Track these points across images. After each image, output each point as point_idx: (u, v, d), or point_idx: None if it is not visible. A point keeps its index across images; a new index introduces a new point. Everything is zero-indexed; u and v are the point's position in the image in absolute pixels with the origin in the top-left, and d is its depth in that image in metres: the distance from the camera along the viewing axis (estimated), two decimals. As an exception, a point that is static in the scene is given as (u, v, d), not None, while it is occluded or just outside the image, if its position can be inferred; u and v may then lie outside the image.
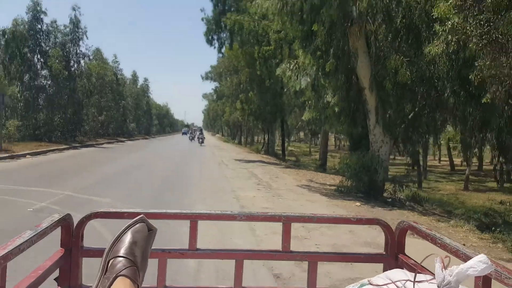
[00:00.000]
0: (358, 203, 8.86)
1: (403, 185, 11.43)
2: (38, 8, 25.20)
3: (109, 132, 40.42)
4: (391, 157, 23.33)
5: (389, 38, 10.01)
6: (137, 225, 0.97)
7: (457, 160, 34.14)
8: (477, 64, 5.80)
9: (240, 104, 30.48)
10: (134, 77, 56.41)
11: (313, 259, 1.51)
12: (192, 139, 44.27)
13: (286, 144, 37.56)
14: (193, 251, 1.48)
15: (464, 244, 5.63)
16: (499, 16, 5.01)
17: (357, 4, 9.19)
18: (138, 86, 57.29)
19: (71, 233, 1.41)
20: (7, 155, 16.06)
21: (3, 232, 5.32)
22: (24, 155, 17.05)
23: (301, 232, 5.71)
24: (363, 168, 10.29)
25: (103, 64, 35.28)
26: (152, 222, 1.05)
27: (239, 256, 1.49)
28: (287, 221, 1.49)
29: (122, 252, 0.90)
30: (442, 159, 40.04)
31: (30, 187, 9.11)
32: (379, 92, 10.30)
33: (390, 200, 10.31)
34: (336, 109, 10.30)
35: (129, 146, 30.67)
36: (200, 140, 35.12)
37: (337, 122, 11.00)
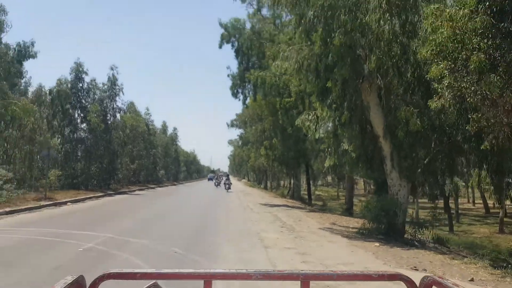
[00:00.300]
0: (377, 244, 9.33)
1: (423, 227, 11.74)
2: (81, 69, 28.00)
3: (140, 179, 42.15)
4: (420, 200, 23.33)
5: (400, 91, 10.92)
6: None
7: (491, 202, 33.21)
8: (470, 117, 6.56)
9: (264, 150, 31.58)
10: (164, 127, 59.33)
11: None
12: (217, 185, 43.41)
13: (313, 189, 37.98)
14: None
15: (472, 279, 6.08)
16: (483, 77, 5.83)
17: (367, 64, 10.27)
18: (168, 135, 59.89)
19: None
20: (51, 202, 17.47)
21: (62, 268, 6.28)
22: (65, 203, 18.44)
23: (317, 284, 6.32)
24: (382, 211, 10.80)
25: (136, 116, 37.77)
26: (166, 282, 1.04)
27: None
28: (305, 279, 1.44)
29: None
30: (476, 201, 38.97)
31: (77, 230, 10.17)
32: (393, 139, 11.05)
33: (411, 241, 10.67)
34: (353, 155, 11.07)
35: (159, 193, 31.95)
36: (227, 186, 34.46)
37: (355, 167, 11.73)
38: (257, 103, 24.42)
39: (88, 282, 1.39)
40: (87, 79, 28.61)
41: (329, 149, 12.73)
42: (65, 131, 27.21)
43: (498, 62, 5.76)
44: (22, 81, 29.06)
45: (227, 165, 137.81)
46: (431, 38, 6.56)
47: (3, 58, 19.29)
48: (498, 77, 5.75)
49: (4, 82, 19.39)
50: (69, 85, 27.58)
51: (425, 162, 11.05)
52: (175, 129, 64.59)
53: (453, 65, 6.42)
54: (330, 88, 11.22)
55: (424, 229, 11.68)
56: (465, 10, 5.91)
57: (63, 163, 26.71)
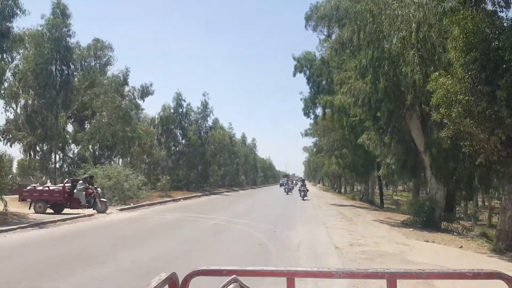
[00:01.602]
0: (411, 229, 12.86)
1: (455, 221, 14.80)
2: (180, 97, 34.64)
3: (225, 183, 48.38)
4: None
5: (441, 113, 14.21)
6: (231, 286, 1.00)
7: None
8: (462, 144, 9.97)
9: (336, 159, 35.11)
10: (243, 138, 65.81)
11: None
12: (288, 192, 36.64)
13: (392, 194, 40.17)
14: None
15: (461, 247, 9.62)
16: (462, 121, 9.34)
17: (407, 99, 13.88)
18: (247, 145, 66.08)
19: None
20: (170, 199, 23.49)
21: (207, 230, 11.16)
22: (179, 199, 24.38)
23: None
24: (421, 207, 14.22)
25: (222, 131, 43.97)
26: (248, 279, 1.14)
27: None
28: (391, 277, 1.36)
29: None
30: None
31: (200, 215, 15.32)
32: (431, 154, 14.38)
33: (444, 230, 13.87)
34: (393, 167, 14.67)
35: (242, 194, 37.39)
36: (303, 193, 29.29)
37: (399, 175, 15.26)
38: (327, 120, 28.28)
39: (180, 278, 1.44)
40: (184, 104, 35.35)
41: (381, 162, 16.34)
42: (171, 146, 33.92)
43: (472, 112, 9.20)
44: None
45: (302, 170, 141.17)
46: (435, 93, 10.18)
47: (128, 97, 26.16)
48: (471, 121, 9.22)
49: (133, 112, 26.16)
50: (171, 110, 34.35)
51: (457, 172, 14.18)
52: (253, 139, 70.78)
53: (448, 112, 9.98)
54: (379, 117, 14.98)
55: (457, 222, 14.72)
56: (451, 80, 9.47)
57: (170, 171, 33.36)
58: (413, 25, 12.92)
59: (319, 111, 28.71)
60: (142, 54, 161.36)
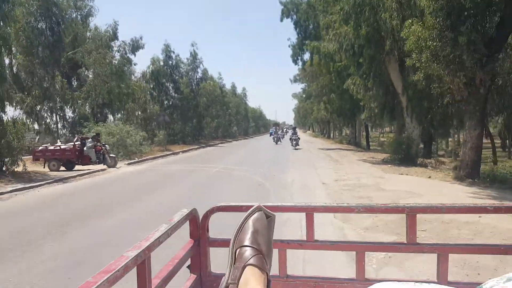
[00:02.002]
0: (390, 165, 14.55)
1: (430, 156, 16.51)
2: (169, 49, 34.72)
3: (219, 135, 49.79)
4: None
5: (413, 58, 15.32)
6: (256, 214, 1.00)
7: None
8: (432, 87, 11.24)
9: (324, 105, 36.39)
10: (233, 88, 66.03)
11: (443, 251, 1.38)
12: (277, 141, 34.31)
13: (379, 136, 42.08)
14: (312, 243, 1.48)
15: (430, 177, 11.34)
16: (430, 65, 10.52)
17: (386, 44, 14.87)
18: (237, 95, 66.59)
19: (197, 225, 1.50)
20: (170, 152, 24.88)
21: (212, 176, 12.65)
22: (178, 153, 25.78)
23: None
24: (399, 145, 15.82)
25: (213, 82, 44.40)
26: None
27: (361, 248, 1.45)
28: (411, 212, 1.38)
29: (246, 242, 0.92)
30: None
31: (202, 164, 16.81)
32: (408, 95, 15.70)
33: (420, 164, 15.61)
34: (376, 111, 16.05)
35: (236, 144, 38.97)
36: (294, 142, 27.60)
37: (381, 117, 16.68)
38: (315, 65, 29.10)
39: (201, 214, 1.49)
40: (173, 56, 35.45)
41: (365, 105, 17.68)
42: (163, 100, 34.65)
43: (438, 56, 10.36)
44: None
45: (292, 118, 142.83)
46: (408, 40, 11.24)
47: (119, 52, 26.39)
48: (438, 65, 10.41)
49: (126, 68, 26.61)
50: (161, 63, 34.59)
51: (431, 112, 15.63)
52: (244, 89, 71.19)
53: (419, 57, 11.12)
54: (362, 62, 16.03)
55: (435, 157, 16.44)
56: (421, 28, 10.49)
57: (166, 125, 34.45)
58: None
59: (306, 57, 29.46)
60: (127, 6, 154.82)
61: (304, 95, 69.39)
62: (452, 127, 17.87)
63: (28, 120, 23.29)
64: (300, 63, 28.05)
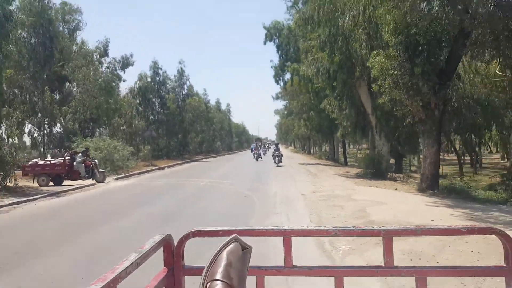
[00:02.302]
0: (362, 179, 15.91)
1: (401, 171, 18.01)
2: (157, 66, 35.87)
3: (203, 150, 50.68)
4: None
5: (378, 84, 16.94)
6: (231, 245, 0.96)
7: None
8: (395, 109, 12.71)
9: (304, 122, 38.00)
10: (218, 103, 67.41)
11: (421, 274, 1.37)
12: (258, 157, 32.92)
13: (357, 152, 44.01)
14: (290, 268, 1.44)
15: (396, 189, 12.70)
16: (391, 91, 11.99)
17: (357, 70, 16.44)
18: (222, 111, 67.88)
19: (172, 252, 1.43)
20: (156, 167, 25.69)
21: (201, 188, 13.68)
22: (163, 168, 26.61)
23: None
24: (370, 161, 17.26)
25: (198, 98, 45.57)
26: (246, 239, 1.08)
27: (339, 273, 1.43)
28: (387, 235, 1.40)
29: (218, 275, 0.90)
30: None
31: (189, 179, 17.78)
32: (377, 116, 17.23)
33: (389, 178, 17.03)
34: (349, 129, 17.52)
35: (220, 160, 39.96)
36: (277, 158, 25.94)
37: (353, 135, 18.15)
38: (295, 86, 30.72)
39: (176, 239, 1.41)
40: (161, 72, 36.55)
41: (340, 123, 19.16)
42: (149, 116, 35.51)
43: (398, 83, 11.85)
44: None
45: (274, 133, 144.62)
46: (373, 68, 12.74)
47: (109, 68, 27.34)
48: (399, 91, 11.90)
49: (114, 83, 27.51)
50: (149, 79, 35.61)
51: (399, 130, 17.18)
52: (228, 105, 72.57)
53: (382, 83, 12.62)
54: (336, 86, 17.55)
55: (404, 172, 17.95)
56: (384, 58, 12.00)
57: (151, 140, 35.21)
58: (361, 7, 15.27)
59: (288, 77, 31.09)
60: (119, 25, 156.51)
61: (285, 112, 71.22)
62: (419, 144, 19.48)
63: (15, 136, 23.83)
64: (281, 83, 29.69)
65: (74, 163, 16.57)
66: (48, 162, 16.48)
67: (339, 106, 17.90)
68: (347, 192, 12.26)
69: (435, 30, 11.50)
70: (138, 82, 35.35)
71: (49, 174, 16.21)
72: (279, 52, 29.19)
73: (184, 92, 37.67)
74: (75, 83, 25.01)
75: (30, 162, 16.87)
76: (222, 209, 9.61)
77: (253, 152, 35.11)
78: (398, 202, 10.17)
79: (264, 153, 39.43)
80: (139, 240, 2.23)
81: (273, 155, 26.77)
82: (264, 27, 29.29)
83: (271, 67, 29.88)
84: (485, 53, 11.00)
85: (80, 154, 16.90)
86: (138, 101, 34.76)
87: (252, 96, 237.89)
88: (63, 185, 15.85)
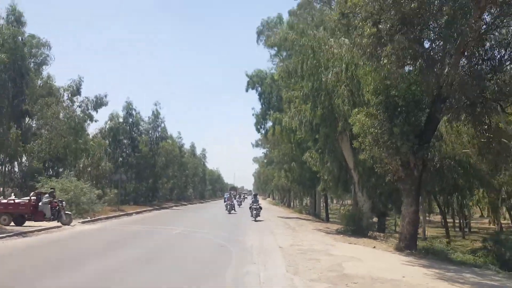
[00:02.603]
0: (342, 235, 16.86)
1: (382, 230, 19.14)
2: (131, 106, 36.99)
3: (173, 197, 50.70)
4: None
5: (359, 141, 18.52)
6: None
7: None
8: (375, 166, 14.12)
9: (284, 173, 39.30)
10: (192, 148, 68.37)
11: None
12: (231, 210, 30.81)
13: (340, 208, 45.31)
14: None
15: (374, 247, 13.74)
16: (371, 149, 13.44)
17: (339, 125, 18.03)
18: (196, 156, 68.69)
19: None
20: (124, 213, 25.88)
21: (174, 237, 14.27)
22: (131, 214, 26.79)
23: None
24: (351, 218, 18.36)
25: (172, 141, 46.49)
26: None
27: None
28: None
29: None
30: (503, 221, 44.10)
31: (161, 226, 18.25)
32: (359, 171, 18.63)
33: (370, 237, 18.06)
34: (331, 184, 18.79)
35: (192, 208, 40.29)
36: (254, 211, 24.19)
37: (335, 189, 19.38)
38: (276, 135, 32.32)
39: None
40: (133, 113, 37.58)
41: (321, 178, 20.45)
42: (118, 158, 35.94)
43: (379, 141, 13.33)
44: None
45: (251, 182, 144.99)
46: (354, 126, 14.25)
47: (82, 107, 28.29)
48: (379, 149, 13.34)
49: (86, 123, 28.27)
50: (120, 119, 36.47)
51: (381, 186, 18.54)
52: (203, 150, 73.60)
53: (363, 140, 14.06)
54: (318, 139, 19.03)
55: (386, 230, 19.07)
56: (365, 117, 13.55)
57: (118, 184, 35.36)
58: (343, 64, 17.19)
59: (269, 125, 32.74)
60: (93, 64, 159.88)
61: (265, 160, 72.64)
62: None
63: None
64: (263, 131, 31.25)
65: (40, 204, 16.88)
66: (12, 201, 16.73)
67: (321, 160, 19.29)
68: (325, 247, 13.15)
69: (414, 93, 13.24)
70: (109, 122, 36.17)
71: (11, 213, 16.41)
72: (261, 100, 31.09)
73: (157, 135, 38.67)
74: (42, 121, 25.59)
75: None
76: (199, 257, 10.31)
77: (225, 203, 32.00)
78: (374, 260, 11.15)
79: (240, 204, 39.10)
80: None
81: (250, 207, 25.12)
82: (247, 75, 31.46)
83: (253, 114, 31.68)
84: (460, 117, 12.78)
85: (47, 195, 17.25)
86: (107, 142, 35.31)
87: (229, 141, 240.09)
88: (24, 226, 16.05)
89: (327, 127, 18.31)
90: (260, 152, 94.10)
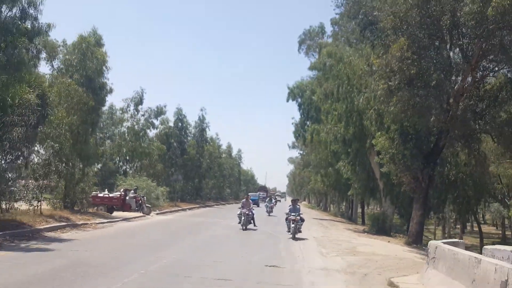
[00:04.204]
0: (366, 234, 22.38)
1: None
2: (181, 113, 43.62)
3: (212, 196, 57.32)
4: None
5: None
6: None
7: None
8: (392, 178, 19.53)
9: (321, 177, 44.77)
10: (229, 148, 74.87)
11: None
12: (247, 224, 19.54)
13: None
14: None
15: (389, 241, 19.37)
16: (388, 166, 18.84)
17: (367, 142, 23.51)
18: (232, 157, 75.20)
19: None
20: (179, 208, 32.38)
21: (232, 227, 20.37)
22: (186, 209, 33.26)
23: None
24: (375, 219, 23.84)
25: (213, 144, 53.00)
26: None
27: None
28: None
29: None
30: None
31: (218, 219, 24.40)
32: (384, 181, 24.01)
33: (391, 236, 23.42)
34: (359, 190, 24.34)
35: (231, 207, 46.53)
36: (293, 225, 17.01)
37: (363, 195, 24.90)
38: (314, 142, 37.81)
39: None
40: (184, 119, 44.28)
41: (351, 185, 25.98)
42: (169, 159, 42.60)
43: (394, 160, 18.72)
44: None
45: (285, 184, 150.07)
46: (376, 145, 19.74)
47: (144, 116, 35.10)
48: (394, 165, 18.76)
49: (147, 131, 35.07)
50: (171, 124, 43.14)
51: (401, 195, 23.85)
52: (239, 150, 79.94)
53: (383, 158, 19.55)
54: (350, 152, 24.60)
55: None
56: (385, 139, 18.98)
57: (173, 183, 42.09)
58: (372, 92, 22.66)
59: (308, 133, 38.39)
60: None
61: (302, 162, 77.57)
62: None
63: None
64: (301, 139, 36.91)
65: (127, 198, 23.49)
66: (107, 196, 23.39)
67: (352, 169, 24.89)
68: (348, 239, 18.81)
69: (424, 124, 18.57)
70: (160, 126, 42.94)
71: (106, 205, 23.05)
72: (301, 110, 36.78)
73: (203, 139, 45.34)
74: (109, 133, 32.52)
75: (93, 194, 23.77)
76: (257, 239, 16.28)
77: (239, 212, 19.74)
78: (382, 247, 16.71)
79: (270, 211, 31.41)
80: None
81: (287, 219, 17.84)
82: (288, 88, 37.29)
83: (292, 123, 37.44)
84: (456, 147, 18.09)
85: (132, 191, 23.87)
86: (164, 146, 42.02)
87: (262, 141, 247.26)
88: (114, 215, 22.59)
89: (358, 143, 23.83)
90: (296, 153, 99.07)
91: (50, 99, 12.86)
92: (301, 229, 17.78)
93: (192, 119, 47.13)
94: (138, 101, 34.42)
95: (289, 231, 17.33)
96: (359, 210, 51.45)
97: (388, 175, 22.82)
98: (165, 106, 35.88)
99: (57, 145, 16.01)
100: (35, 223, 13.46)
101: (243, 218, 19.19)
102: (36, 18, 13.66)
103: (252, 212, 19.95)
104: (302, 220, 17.94)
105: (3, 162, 12.75)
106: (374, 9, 17.26)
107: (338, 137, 25.16)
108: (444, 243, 8.60)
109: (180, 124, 43.40)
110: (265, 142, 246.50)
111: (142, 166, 37.11)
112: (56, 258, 9.31)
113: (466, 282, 6.45)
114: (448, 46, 16.40)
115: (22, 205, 15.55)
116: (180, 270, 8.81)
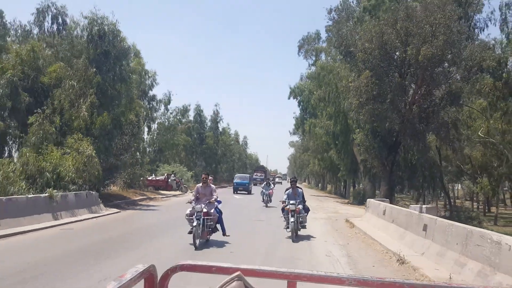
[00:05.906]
0: (349, 205, 29.52)
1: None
2: (199, 108, 50.59)
3: (224, 179, 64.60)
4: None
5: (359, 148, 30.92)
6: (233, 284, 0.98)
7: None
8: (367, 163, 26.47)
9: (318, 161, 51.88)
10: (236, 135, 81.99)
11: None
12: (267, 201, 23.91)
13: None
14: None
15: (364, 209, 26.54)
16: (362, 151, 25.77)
17: (351, 136, 30.50)
18: (239, 143, 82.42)
19: (154, 286, 1.44)
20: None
21: (256, 210, 27.57)
22: (208, 190, 40.39)
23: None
24: (357, 194, 31.03)
25: (226, 134, 60.09)
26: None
27: (291, 277, 1.50)
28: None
29: None
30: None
31: (240, 196, 31.55)
32: (365, 164, 31.05)
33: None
34: (344, 172, 31.45)
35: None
36: (292, 220, 12.01)
37: (349, 176, 32.04)
38: (312, 134, 44.74)
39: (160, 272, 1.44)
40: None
41: (341, 168, 33.09)
42: (190, 149, 49.73)
43: (368, 150, 25.64)
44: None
45: (286, 166, 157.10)
46: (356, 139, 26.72)
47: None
48: (368, 154, 25.72)
49: (177, 126, 41.98)
50: (191, 118, 50.17)
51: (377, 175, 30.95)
52: (245, 137, 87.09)
53: (360, 148, 26.58)
54: (337, 143, 31.62)
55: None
56: (361, 134, 25.89)
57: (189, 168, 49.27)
58: (354, 99, 29.55)
59: (306, 125, 45.37)
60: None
61: (302, 146, 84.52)
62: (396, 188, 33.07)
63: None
64: (300, 131, 44.17)
65: (169, 180, 30.61)
66: (155, 179, 30.48)
67: (339, 157, 31.91)
68: (334, 206, 25.98)
69: (384, 127, 25.42)
70: (183, 120, 49.95)
71: (154, 186, 30.16)
72: (300, 107, 43.70)
73: (217, 131, 52.48)
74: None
75: (147, 177, 30.83)
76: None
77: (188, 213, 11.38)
78: (356, 211, 23.83)
79: (268, 200, 24.57)
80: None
81: (283, 209, 12.80)
82: (290, 87, 44.24)
83: (293, 117, 44.45)
84: (409, 142, 25.07)
85: (172, 175, 30.97)
86: (190, 138, 49.14)
87: (263, 124, 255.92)
88: (163, 192, 29.64)
89: (343, 136, 30.75)
90: (296, 138, 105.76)
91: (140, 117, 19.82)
92: (305, 223, 12.76)
93: (206, 112, 54.08)
94: (167, 101, 41.27)
95: (287, 228, 12.29)
96: (352, 189, 59.06)
97: (365, 161, 29.93)
98: (189, 105, 42.73)
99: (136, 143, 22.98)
100: (131, 196, 20.54)
101: (264, 196, 24.09)
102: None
103: (216, 211, 10.80)
104: (307, 210, 13.03)
105: (122, 157, 19.76)
106: (351, 46, 23.98)
107: (329, 131, 32.09)
108: (375, 200, 15.67)
109: (199, 118, 50.41)
110: (266, 126, 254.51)
111: (170, 155, 44.22)
112: (163, 214, 16.35)
113: (376, 214, 13.57)
114: (399, 74, 23.20)
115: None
116: (239, 210, 15.90)
